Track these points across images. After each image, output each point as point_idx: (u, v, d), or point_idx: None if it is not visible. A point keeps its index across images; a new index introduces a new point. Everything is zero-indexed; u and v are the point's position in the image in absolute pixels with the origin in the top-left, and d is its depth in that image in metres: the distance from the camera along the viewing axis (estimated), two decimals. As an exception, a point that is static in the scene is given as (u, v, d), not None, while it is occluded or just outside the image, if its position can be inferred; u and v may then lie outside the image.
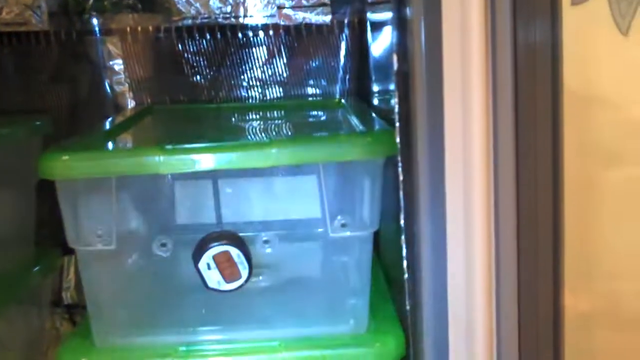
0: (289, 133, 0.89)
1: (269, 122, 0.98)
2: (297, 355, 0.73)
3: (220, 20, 1.09)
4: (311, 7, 1.08)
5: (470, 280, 0.63)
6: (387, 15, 0.83)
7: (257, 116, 1.03)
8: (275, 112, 1.06)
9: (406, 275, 0.69)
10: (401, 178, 0.68)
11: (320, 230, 0.76)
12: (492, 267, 0.63)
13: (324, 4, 1.08)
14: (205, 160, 0.69)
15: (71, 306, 1.14)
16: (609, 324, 0.66)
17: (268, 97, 1.12)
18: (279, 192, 0.84)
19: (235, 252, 0.72)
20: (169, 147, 0.69)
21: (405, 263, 0.69)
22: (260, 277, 0.80)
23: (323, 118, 1.01)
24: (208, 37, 1.10)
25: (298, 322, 0.77)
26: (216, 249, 0.72)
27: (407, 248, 0.69)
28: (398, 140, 0.68)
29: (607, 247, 0.65)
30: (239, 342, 0.75)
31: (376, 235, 0.76)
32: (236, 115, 1.06)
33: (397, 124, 0.68)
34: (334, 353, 0.73)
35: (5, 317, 0.93)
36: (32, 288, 0.98)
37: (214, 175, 0.84)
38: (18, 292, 0.94)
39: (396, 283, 0.79)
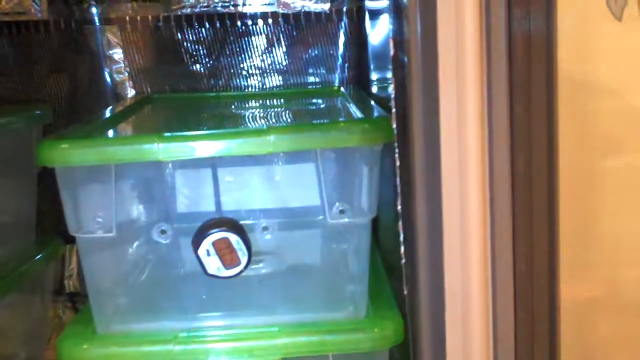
0: (288, 121, 0.89)
1: (268, 110, 0.98)
2: (296, 341, 0.74)
3: (219, 8, 1.09)
4: (310, -5, 1.09)
5: (466, 266, 0.63)
6: (384, 2, 0.83)
7: (257, 104, 1.03)
8: (274, 101, 1.06)
9: (403, 261, 0.70)
10: (398, 164, 0.69)
11: (319, 217, 0.77)
12: (488, 253, 0.63)
13: (322, -8, 1.08)
14: (203, 148, 0.70)
15: (74, 294, 1.14)
16: (606, 311, 0.67)
17: (267, 86, 1.12)
18: (278, 180, 0.84)
19: (234, 239, 0.73)
20: (167, 134, 0.70)
21: (402, 249, 0.70)
22: (260, 264, 0.80)
23: (322, 106, 1.01)
24: (207, 25, 1.10)
25: (298, 308, 0.77)
26: (216, 236, 0.73)
27: (404, 234, 0.69)
28: (395, 126, 0.68)
29: (604, 235, 0.65)
30: (239, 327, 0.75)
31: (374, 221, 0.76)
32: (235, 103, 1.06)
33: (394, 110, 0.68)
34: (334, 338, 0.74)
35: (7, 306, 0.93)
36: (34, 276, 0.99)
37: (213, 164, 0.84)
38: (20, 280, 0.95)
39: (394, 269, 0.80)
